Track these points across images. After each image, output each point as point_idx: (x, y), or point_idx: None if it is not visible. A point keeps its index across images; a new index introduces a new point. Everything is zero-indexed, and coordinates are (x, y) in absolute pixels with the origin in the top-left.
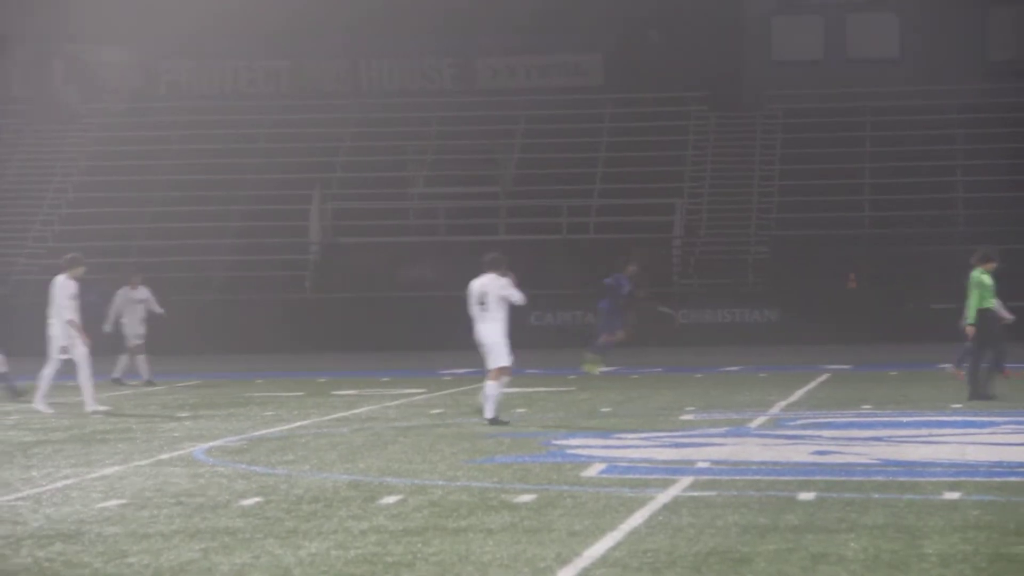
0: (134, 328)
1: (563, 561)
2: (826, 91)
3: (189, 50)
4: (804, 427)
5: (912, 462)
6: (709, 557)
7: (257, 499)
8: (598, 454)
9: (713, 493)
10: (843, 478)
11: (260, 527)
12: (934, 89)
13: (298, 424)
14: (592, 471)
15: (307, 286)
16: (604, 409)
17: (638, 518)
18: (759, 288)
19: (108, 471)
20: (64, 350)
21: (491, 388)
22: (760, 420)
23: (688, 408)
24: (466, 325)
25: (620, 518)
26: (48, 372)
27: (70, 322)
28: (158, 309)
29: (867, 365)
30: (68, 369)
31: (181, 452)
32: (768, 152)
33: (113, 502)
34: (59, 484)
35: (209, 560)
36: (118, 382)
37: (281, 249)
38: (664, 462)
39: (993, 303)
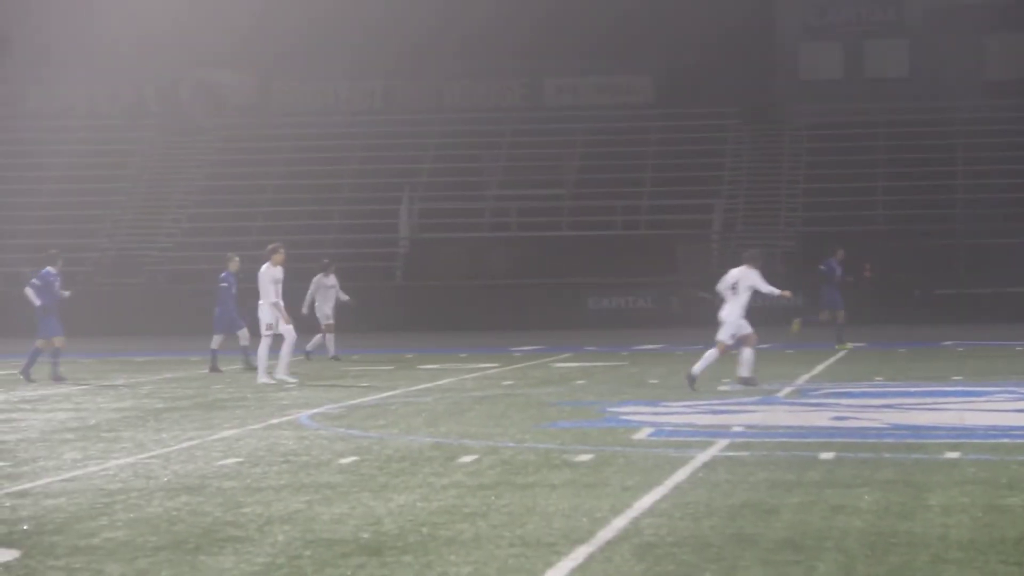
0: (324, 310)
1: (616, 512)
2: (845, 106)
3: (296, 71)
4: (825, 396)
5: (918, 426)
6: (742, 508)
7: (353, 458)
8: (647, 420)
9: (746, 453)
10: (858, 440)
11: (356, 482)
12: (939, 106)
13: (388, 394)
14: (641, 434)
15: (397, 275)
16: (652, 381)
17: (681, 475)
18: (787, 276)
19: (226, 433)
20: (270, 327)
21: (710, 354)
22: (787, 390)
23: (725, 380)
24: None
25: (665, 475)
26: (263, 350)
27: (275, 304)
28: (344, 296)
29: (880, 343)
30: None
31: (289, 417)
32: (795, 159)
33: (231, 460)
34: (184, 444)
35: (312, 510)
36: (308, 356)
37: (375, 244)
38: (704, 427)
39: None
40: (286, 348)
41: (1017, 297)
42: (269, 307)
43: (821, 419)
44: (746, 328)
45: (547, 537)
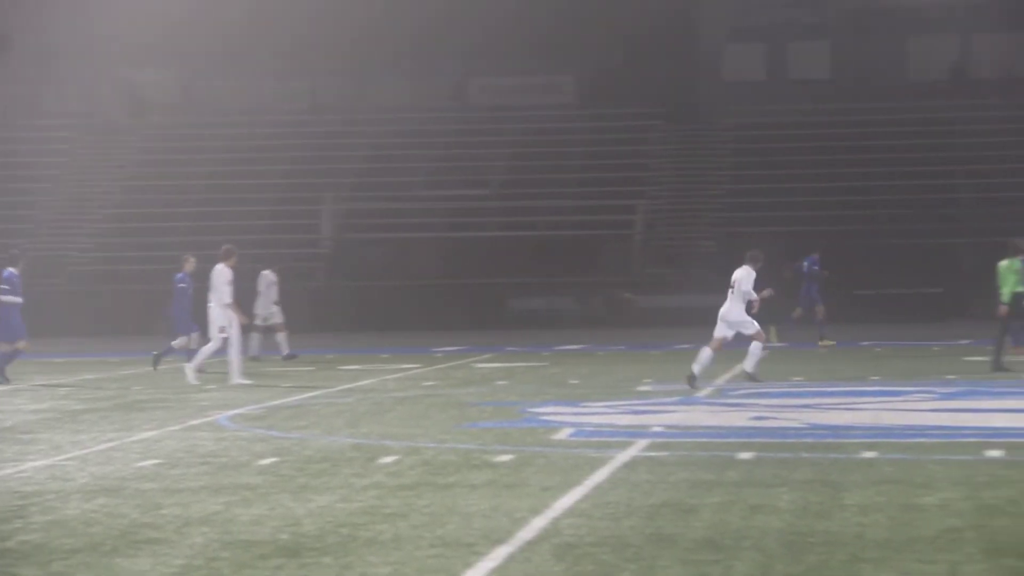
0: (271, 308)
1: (536, 512)
2: (768, 108)
3: (221, 70)
4: (744, 396)
5: (836, 426)
6: (662, 508)
7: (273, 459)
8: (567, 420)
9: (666, 453)
10: (777, 440)
11: (275, 483)
12: (860, 107)
13: (309, 395)
14: (562, 434)
15: (320, 276)
16: (573, 381)
17: (601, 475)
18: (708, 277)
19: (145, 435)
20: (223, 329)
21: (755, 347)
22: (707, 390)
23: (646, 380)
24: (453, 308)
25: (585, 475)
26: (209, 349)
27: (228, 305)
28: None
29: (798, 343)
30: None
31: (208, 419)
32: (718, 160)
33: (149, 462)
34: (102, 446)
35: (231, 512)
36: (255, 359)
37: (300, 244)
38: (624, 427)
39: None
40: (210, 347)
41: (935, 298)
42: (222, 308)
43: (740, 419)
44: (750, 327)
45: (467, 537)
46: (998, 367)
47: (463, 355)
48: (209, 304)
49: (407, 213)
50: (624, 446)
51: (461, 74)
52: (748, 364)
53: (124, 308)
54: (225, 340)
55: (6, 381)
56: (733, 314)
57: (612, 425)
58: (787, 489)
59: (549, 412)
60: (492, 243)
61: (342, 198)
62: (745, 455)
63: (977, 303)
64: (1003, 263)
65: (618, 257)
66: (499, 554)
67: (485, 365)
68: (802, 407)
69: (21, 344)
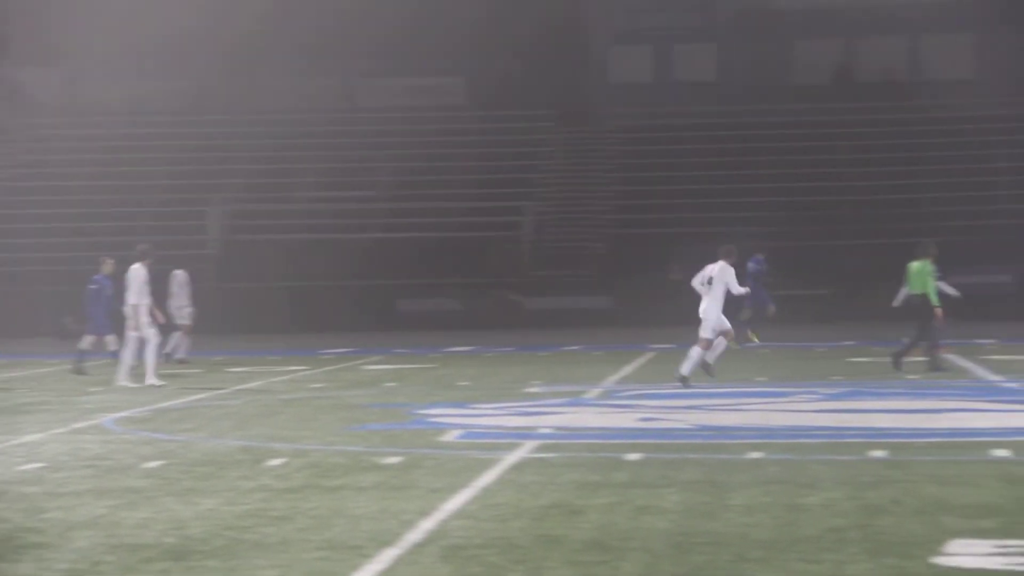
0: (185, 309)
1: (424, 514)
2: (656, 110)
3: (105, 70)
4: (632, 398)
5: (722, 427)
6: (550, 509)
7: (159, 462)
8: (456, 422)
9: (554, 455)
10: (664, 441)
11: (161, 486)
12: (746, 109)
13: (197, 397)
14: (450, 436)
15: (207, 277)
16: (462, 383)
17: (489, 477)
18: (596, 278)
19: (29, 438)
20: (139, 328)
21: (694, 352)
22: (595, 392)
23: (534, 382)
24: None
25: (474, 477)
26: (128, 352)
27: (143, 306)
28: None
29: (686, 344)
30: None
31: (93, 422)
32: (607, 162)
33: (33, 465)
34: None
35: (116, 515)
36: (183, 361)
37: (186, 245)
38: (512, 428)
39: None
40: (150, 352)
41: (820, 299)
42: (133, 309)
43: (628, 420)
44: (724, 323)
45: (354, 540)
46: (935, 367)
47: (351, 357)
48: (125, 305)
49: (295, 214)
50: (512, 448)
51: (350, 76)
52: (683, 367)
53: (9, 309)
54: (140, 340)
55: None
56: (712, 311)
57: (500, 427)
58: (674, 490)
59: (437, 414)
60: (380, 245)
61: (229, 199)
62: (632, 456)
63: (861, 305)
64: (914, 264)
65: (507, 259)
66: (386, 556)
67: (374, 367)
68: (689, 408)
69: None
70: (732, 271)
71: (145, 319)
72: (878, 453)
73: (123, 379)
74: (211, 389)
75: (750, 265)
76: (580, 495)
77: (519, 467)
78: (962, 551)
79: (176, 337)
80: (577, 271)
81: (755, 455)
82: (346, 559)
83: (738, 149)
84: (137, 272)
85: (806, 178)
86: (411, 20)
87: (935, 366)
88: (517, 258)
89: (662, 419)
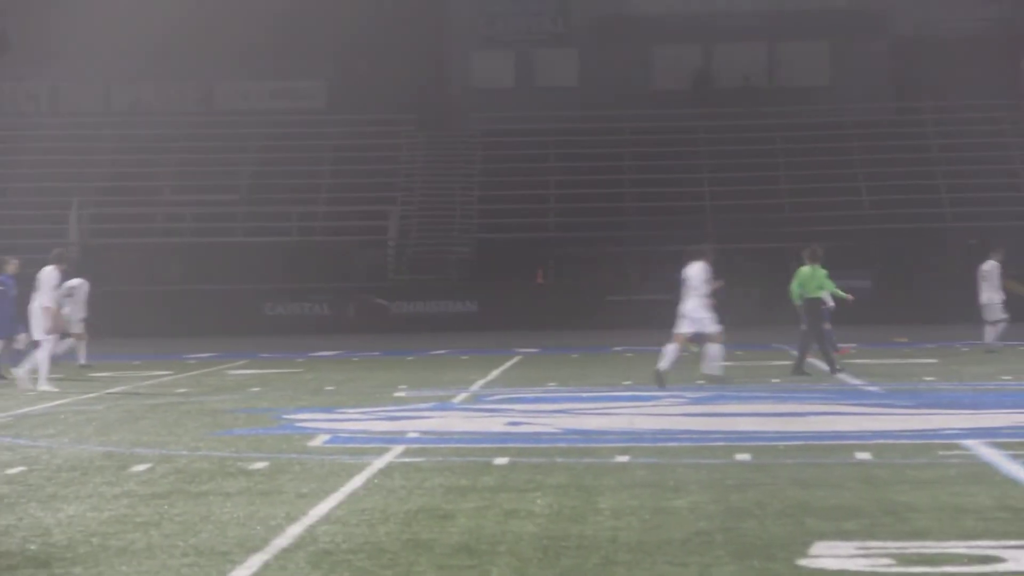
0: (79, 314)
1: (292, 519)
2: (517, 115)
3: None
4: (499, 402)
5: (590, 431)
6: (418, 514)
7: (21, 468)
8: (323, 426)
9: (422, 459)
10: (532, 445)
11: (23, 493)
12: (607, 114)
13: (58, 402)
14: (317, 441)
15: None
16: (328, 388)
17: (357, 482)
18: (462, 283)
19: None
20: (47, 332)
21: (670, 349)
22: (462, 396)
23: (401, 386)
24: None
25: (341, 482)
26: (42, 355)
27: (47, 309)
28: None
29: (552, 348)
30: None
31: None
32: (469, 167)
33: None
34: None
35: None
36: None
37: (45, 249)
38: (380, 433)
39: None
40: (43, 353)
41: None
42: (41, 311)
43: (496, 424)
44: (710, 325)
45: (221, 546)
46: (808, 369)
47: (216, 362)
48: (33, 306)
49: (154, 218)
50: (380, 452)
51: (209, 78)
52: (706, 367)
53: None
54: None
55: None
56: (692, 311)
57: (368, 431)
58: (541, 494)
59: (304, 419)
60: (243, 248)
61: (88, 202)
62: (500, 460)
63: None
64: (804, 269)
65: (371, 263)
66: (254, 562)
67: (239, 372)
68: (556, 412)
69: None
70: (706, 270)
71: (48, 323)
72: (743, 456)
73: (43, 384)
74: (73, 394)
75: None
76: (448, 499)
77: (387, 472)
78: (826, 553)
79: (69, 343)
80: (442, 275)
81: (622, 459)
82: (214, 565)
83: (600, 154)
84: (48, 274)
85: (667, 183)
86: (272, 23)
87: (801, 370)
88: (382, 262)
89: (529, 423)
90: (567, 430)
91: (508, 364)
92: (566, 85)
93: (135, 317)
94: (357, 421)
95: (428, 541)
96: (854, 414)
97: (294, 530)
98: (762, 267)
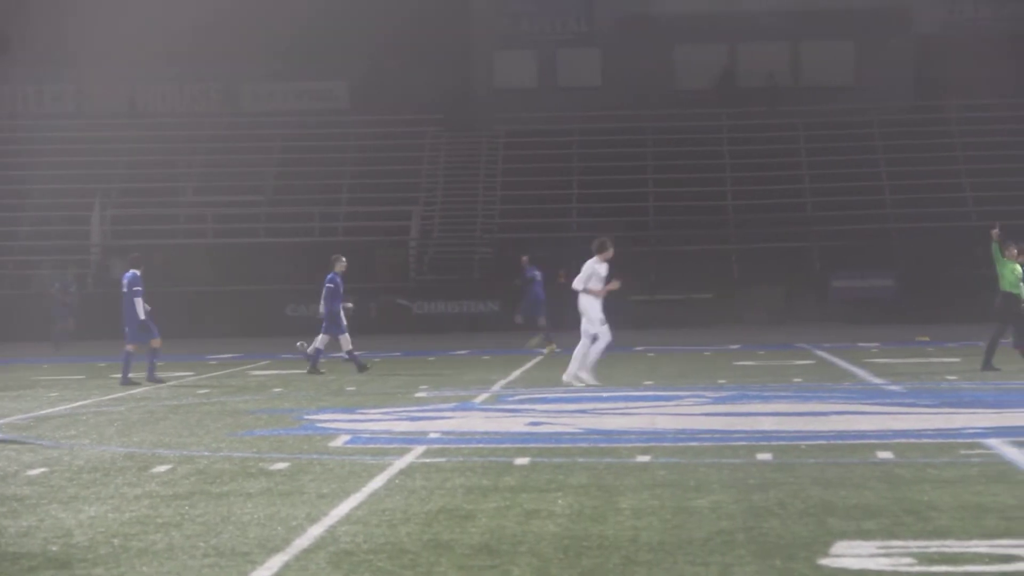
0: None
1: (313, 520)
2: (540, 115)
3: None
4: (520, 402)
5: (610, 431)
6: (439, 514)
7: (43, 469)
8: (344, 427)
9: (443, 459)
10: (553, 445)
11: (45, 494)
12: (630, 114)
13: (80, 403)
14: (338, 442)
15: (90, 283)
16: (349, 388)
17: (378, 482)
18: (483, 283)
19: None
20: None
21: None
22: (483, 396)
23: (422, 386)
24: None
25: (362, 482)
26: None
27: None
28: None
29: (573, 349)
30: None
31: None
32: (492, 167)
33: None
34: None
35: None
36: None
37: (68, 251)
38: (401, 433)
39: None
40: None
41: (706, 303)
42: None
43: (516, 425)
44: (592, 326)
45: (242, 546)
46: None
47: (238, 363)
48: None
49: (177, 219)
50: (401, 453)
51: (232, 79)
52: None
53: None
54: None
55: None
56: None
57: (389, 432)
58: (562, 494)
59: (325, 419)
60: (266, 249)
61: (111, 204)
62: (521, 460)
63: (745, 308)
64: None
65: (394, 263)
66: (275, 563)
67: (261, 372)
68: (577, 412)
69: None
70: (597, 266)
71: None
72: (764, 456)
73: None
74: (94, 395)
75: (528, 275)
76: (469, 500)
77: (408, 472)
78: (847, 552)
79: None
80: (464, 275)
81: (643, 459)
82: (235, 565)
83: (623, 154)
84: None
85: (690, 183)
86: (295, 23)
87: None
88: (404, 262)
89: (550, 423)
90: (588, 430)
91: (529, 364)
92: (589, 85)
93: (157, 318)
94: (378, 422)
95: (449, 541)
96: (876, 413)
97: (315, 531)
98: (784, 267)
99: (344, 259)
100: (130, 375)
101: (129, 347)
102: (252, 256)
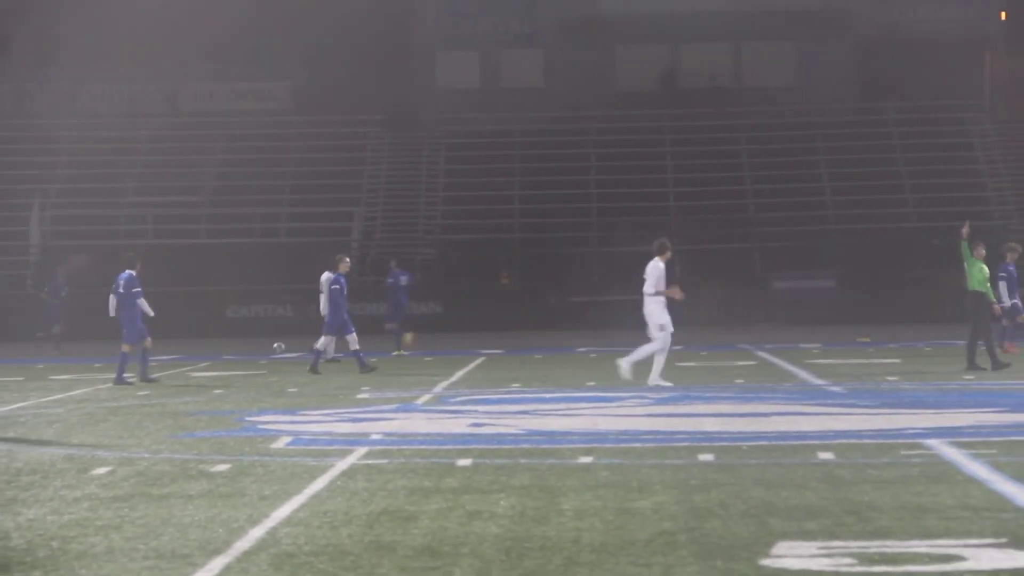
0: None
1: (254, 522)
2: (483, 116)
3: None
4: (463, 403)
5: (553, 432)
6: (381, 516)
7: None
8: (285, 428)
9: (385, 461)
10: (495, 446)
11: None
12: (573, 115)
13: (18, 405)
14: (280, 443)
15: (28, 284)
16: (291, 390)
17: (319, 484)
18: (426, 284)
19: None
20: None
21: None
22: (425, 398)
23: (364, 388)
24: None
25: (304, 484)
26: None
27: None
28: None
29: (516, 350)
30: None
31: None
32: (434, 168)
33: None
34: None
35: None
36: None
37: (6, 251)
38: (343, 435)
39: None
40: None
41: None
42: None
43: (459, 426)
44: (654, 330)
45: (182, 549)
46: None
47: (179, 364)
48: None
49: (118, 220)
50: (343, 454)
51: (173, 79)
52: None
53: None
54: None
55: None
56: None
57: (330, 433)
58: (505, 495)
59: (267, 421)
60: (206, 250)
61: (51, 204)
62: (463, 462)
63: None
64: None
65: (335, 264)
66: (216, 565)
67: (201, 374)
68: (520, 413)
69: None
70: (657, 267)
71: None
72: (706, 457)
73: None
74: (33, 397)
75: (392, 280)
76: (411, 501)
77: (350, 474)
78: (788, 553)
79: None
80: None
81: (585, 460)
82: (175, 568)
83: (565, 155)
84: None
85: (632, 184)
86: (237, 24)
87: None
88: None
89: (493, 424)
90: (531, 431)
91: (472, 365)
92: (532, 86)
93: (96, 319)
94: (320, 423)
95: (391, 543)
96: (817, 414)
97: (256, 533)
98: (727, 267)
99: (348, 259)
100: (125, 375)
101: (125, 347)
102: (193, 257)
